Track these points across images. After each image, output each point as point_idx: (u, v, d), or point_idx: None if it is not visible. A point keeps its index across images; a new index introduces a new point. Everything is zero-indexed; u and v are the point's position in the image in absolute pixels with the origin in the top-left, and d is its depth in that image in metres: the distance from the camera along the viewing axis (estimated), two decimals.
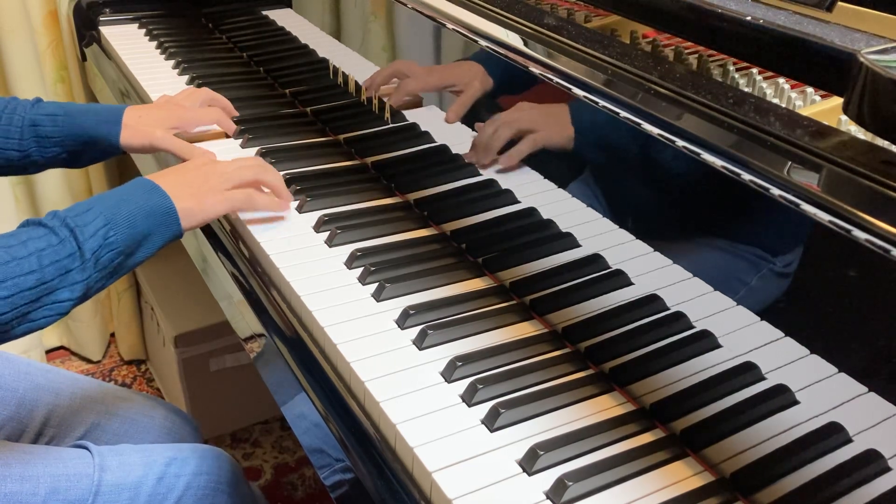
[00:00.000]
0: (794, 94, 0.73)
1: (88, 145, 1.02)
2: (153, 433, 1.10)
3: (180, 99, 1.12)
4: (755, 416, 0.65)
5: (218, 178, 0.90)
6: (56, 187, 1.74)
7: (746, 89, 0.74)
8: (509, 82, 0.90)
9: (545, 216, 0.87)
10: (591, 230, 0.82)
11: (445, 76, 1.00)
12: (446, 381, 0.74)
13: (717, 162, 0.65)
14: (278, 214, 0.97)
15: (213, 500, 0.97)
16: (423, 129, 1.05)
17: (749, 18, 0.74)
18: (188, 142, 1.07)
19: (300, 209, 0.99)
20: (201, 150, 1.03)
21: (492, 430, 0.69)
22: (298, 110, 1.27)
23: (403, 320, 0.81)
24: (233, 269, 0.96)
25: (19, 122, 0.99)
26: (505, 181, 0.93)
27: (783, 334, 0.64)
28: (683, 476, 0.67)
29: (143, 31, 1.56)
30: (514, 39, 0.88)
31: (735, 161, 0.64)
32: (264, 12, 1.48)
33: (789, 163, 0.61)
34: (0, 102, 1.00)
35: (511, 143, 0.90)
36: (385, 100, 1.10)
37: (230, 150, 1.13)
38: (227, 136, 1.16)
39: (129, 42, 1.51)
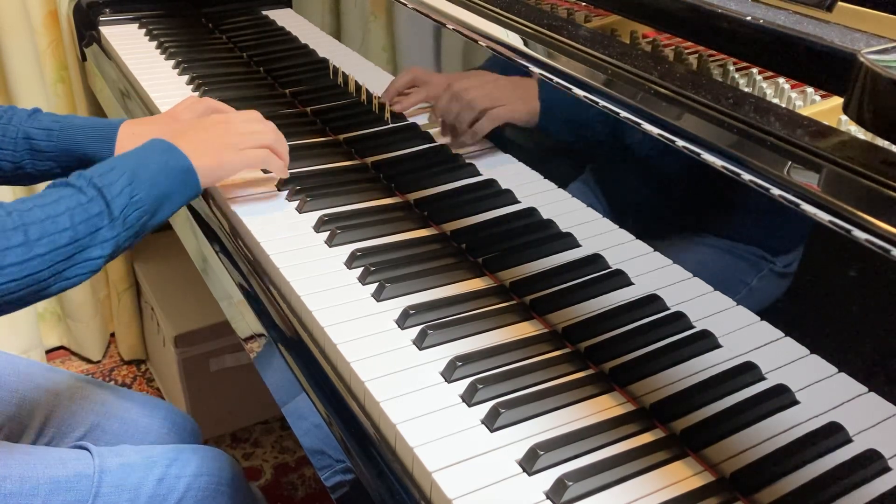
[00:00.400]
0: (794, 94, 0.73)
1: (81, 162, 1.00)
2: (153, 433, 1.10)
3: (179, 112, 1.09)
4: (755, 416, 0.65)
5: (233, 138, 0.94)
6: None
7: (746, 89, 0.74)
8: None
9: (545, 216, 0.87)
10: (591, 230, 0.82)
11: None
12: (446, 381, 0.74)
13: (717, 162, 0.65)
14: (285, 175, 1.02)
15: (213, 502, 0.97)
16: (422, 129, 1.05)
17: (749, 18, 0.74)
18: None
19: (300, 209, 0.99)
20: None
21: (492, 430, 0.69)
22: (298, 110, 1.27)
23: (403, 320, 0.81)
24: (233, 269, 0.96)
25: (14, 133, 0.98)
26: (505, 181, 0.93)
27: (783, 334, 0.64)
28: (683, 476, 0.67)
29: (143, 31, 1.56)
30: (514, 39, 0.88)
31: (735, 161, 0.64)
32: (264, 12, 1.48)
33: (789, 163, 0.61)
34: None
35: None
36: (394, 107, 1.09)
37: None
38: None
39: (129, 42, 1.51)
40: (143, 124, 1.05)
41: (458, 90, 0.95)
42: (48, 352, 1.97)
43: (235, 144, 0.93)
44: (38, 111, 1.01)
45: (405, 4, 1.03)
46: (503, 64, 0.89)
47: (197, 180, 0.88)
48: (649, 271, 0.75)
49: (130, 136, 1.01)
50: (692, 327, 0.72)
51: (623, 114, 0.73)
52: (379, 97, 1.11)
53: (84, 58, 1.59)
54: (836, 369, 0.60)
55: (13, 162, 0.98)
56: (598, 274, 0.81)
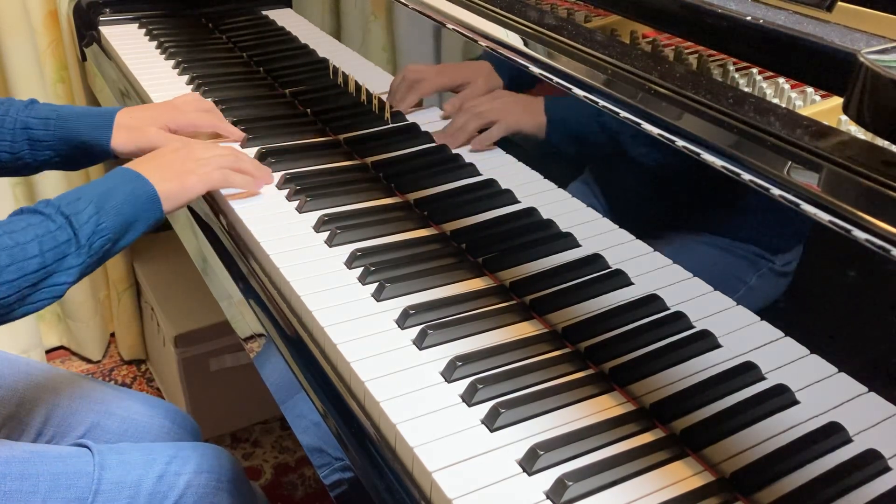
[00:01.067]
0: (794, 94, 0.73)
1: (80, 150, 1.02)
2: (153, 433, 1.10)
3: (180, 104, 1.12)
4: (755, 416, 0.65)
5: (195, 163, 0.95)
6: (56, 188, 1.74)
7: (746, 89, 0.74)
8: (518, 81, 0.90)
9: (545, 216, 0.88)
10: (591, 230, 0.82)
11: (457, 76, 1.00)
12: (446, 380, 0.74)
13: (717, 162, 0.65)
14: (256, 191, 1.03)
15: (214, 499, 0.97)
16: (423, 129, 1.05)
17: (749, 18, 0.74)
18: None
19: (300, 209, 0.99)
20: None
21: (492, 430, 0.69)
22: (298, 110, 1.27)
23: (403, 320, 0.81)
24: (233, 269, 0.96)
25: (11, 123, 0.99)
26: (505, 181, 0.93)
27: (783, 334, 0.64)
28: (683, 476, 0.67)
29: (143, 31, 1.56)
30: (514, 39, 0.88)
31: (735, 161, 0.64)
32: (264, 12, 1.48)
33: (789, 163, 0.61)
34: None
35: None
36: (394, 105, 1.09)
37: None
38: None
39: (129, 42, 1.51)
40: (140, 110, 1.06)
41: (469, 106, 0.96)
42: (48, 352, 1.97)
43: (195, 169, 0.95)
44: (34, 101, 1.02)
45: (405, 4, 1.03)
46: (501, 63, 0.89)
47: (161, 207, 0.89)
48: (649, 271, 0.76)
49: (127, 124, 1.03)
50: (692, 327, 0.72)
51: (623, 114, 0.73)
52: (379, 97, 1.11)
53: (84, 58, 1.59)
54: (836, 369, 0.60)
55: (12, 153, 0.99)
56: (598, 274, 0.81)
